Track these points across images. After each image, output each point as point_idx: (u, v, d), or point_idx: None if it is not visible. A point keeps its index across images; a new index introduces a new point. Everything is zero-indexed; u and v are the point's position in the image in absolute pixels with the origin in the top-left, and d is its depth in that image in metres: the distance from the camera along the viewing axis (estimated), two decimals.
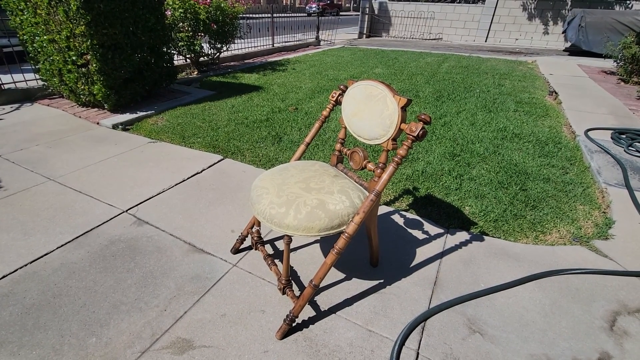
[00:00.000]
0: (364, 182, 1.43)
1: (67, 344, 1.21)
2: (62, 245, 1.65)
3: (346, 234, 1.21)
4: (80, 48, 3.03)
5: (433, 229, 1.91)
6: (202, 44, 5.06)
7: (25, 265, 1.53)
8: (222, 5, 4.98)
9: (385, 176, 1.21)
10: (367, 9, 12.55)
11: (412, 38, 12.25)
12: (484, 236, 1.87)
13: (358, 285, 1.52)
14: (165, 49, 3.81)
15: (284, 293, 1.35)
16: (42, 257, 1.58)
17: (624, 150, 2.84)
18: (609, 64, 6.49)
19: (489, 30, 11.23)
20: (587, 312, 1.42)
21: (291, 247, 1.73)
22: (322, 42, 9.81)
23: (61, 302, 1.36)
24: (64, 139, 2.85)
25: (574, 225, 1.97)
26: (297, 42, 8.84)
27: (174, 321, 1.31)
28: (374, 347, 1.25)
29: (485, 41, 11.36)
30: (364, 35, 12.71)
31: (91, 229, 1.78)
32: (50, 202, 1.99)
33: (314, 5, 24.91)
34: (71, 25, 2.95)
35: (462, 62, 7.08)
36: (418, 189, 2.28)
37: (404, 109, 1.24)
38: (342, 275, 1.57)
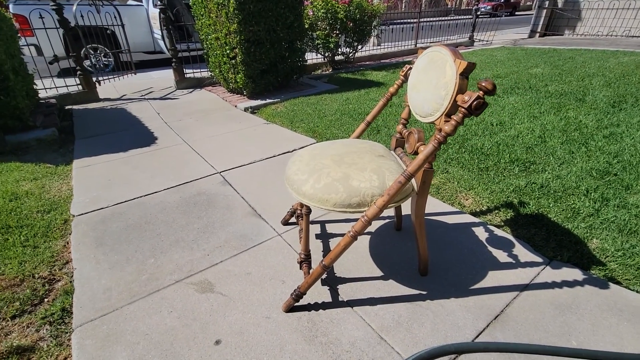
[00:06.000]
0: None
1: (135, 258, 1.50)
2: (166, 189, 2.07)
3: (365, 217, 1.05)
4: (232, 43, 3.68)
5: (527, 255, 1.45)
6: (339, 43, 5.33)
7: (140, 197, 1.99)
8: (363, 3, 5.11)
9: (420, 156, 0.99)
10: (547, 3, 10.49)
11: (611, 35, 9.51)
12: (610, 283, 1.29)
13: (392, 287, 1.30)
14: (299, 45, 4.20)
15: (301, 267, 1.28)
16: (151, 194, 2.02)
17: None
18: None
19: None
20: None
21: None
22: (476, 43, 8.82)
23: (147, 228, 1.71)
24: (208, 116, 3.54)
25: None
26: (445, 43, 8.22)
27: (209, 265, 1.44)
28: (377, 356, 1.04)
29: None
30: (537, 34, 10.69)
31: (190, 181, 2.15)
32: (177, 158, 2.52)
33: (482, 5, 22.48)
34: (228, 24, 3.62)
35: None
36: (526, 205, 1.77)
37: (463, 75, 0.97)
38: (379, 273, 1.38)
